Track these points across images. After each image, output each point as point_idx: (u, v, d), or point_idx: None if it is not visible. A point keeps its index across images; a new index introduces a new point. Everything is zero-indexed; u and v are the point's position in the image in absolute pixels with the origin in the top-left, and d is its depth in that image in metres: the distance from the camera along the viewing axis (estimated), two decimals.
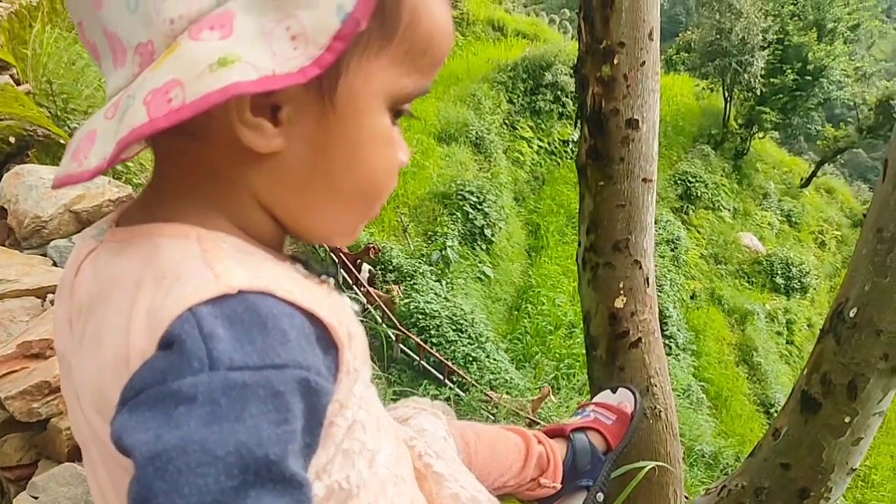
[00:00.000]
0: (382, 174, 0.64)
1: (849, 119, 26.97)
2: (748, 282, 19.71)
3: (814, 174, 24.65)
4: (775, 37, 21.27)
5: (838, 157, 26.29)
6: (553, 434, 1.40)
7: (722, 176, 21.51)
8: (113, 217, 0.66)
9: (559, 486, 1.33)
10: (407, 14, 0.60)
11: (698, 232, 19.93)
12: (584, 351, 2.33)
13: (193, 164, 0.61)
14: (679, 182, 20.42)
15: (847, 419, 1.80)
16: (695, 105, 22.90)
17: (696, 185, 20.10)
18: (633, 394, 1.48)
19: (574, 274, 14.75)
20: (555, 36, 25.22)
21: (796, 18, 21.88)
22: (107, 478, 0.62)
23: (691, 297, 18.33)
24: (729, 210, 20.97)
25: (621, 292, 2.12)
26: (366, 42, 0.58)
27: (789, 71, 21.19)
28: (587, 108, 2.16)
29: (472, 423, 1.26)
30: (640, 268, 2.12)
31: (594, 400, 1.53)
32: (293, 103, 0.57)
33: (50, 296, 1.97)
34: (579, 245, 2.25)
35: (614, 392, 1.52)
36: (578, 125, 2.31)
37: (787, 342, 19.00)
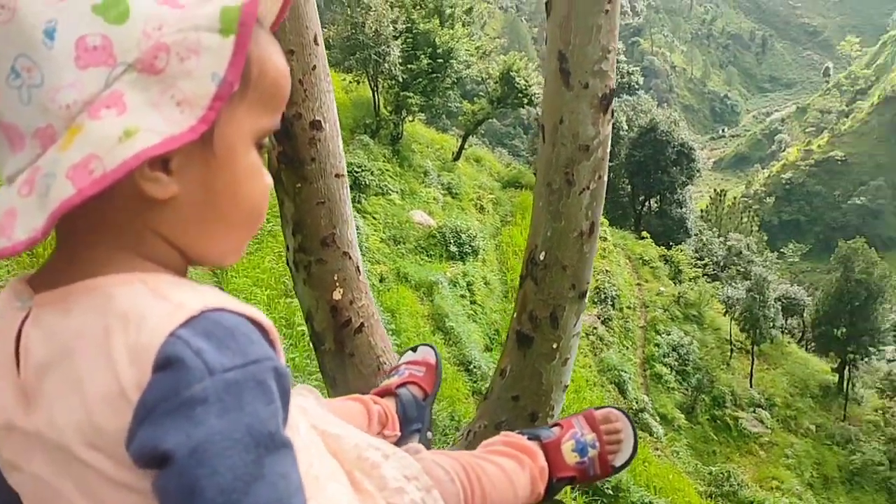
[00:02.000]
0: (260, 198, 0.80)
1: (480, 93, 29.74)
2: (427, 255, 20.94)
3: (462, 147, 26.89)
4: (404, 26, 22.65)
5: (478, 128, 28.93)
6: (383, 394, 1.66)
7: (384, 161, 22.52)
8: (23, 287, 0.76)
9: (398, 433, 1.57)
10: (256, 68, 0.75)
11: (374, 218, 20.69)
12: (291, 356, 2.37)
13: (100, 220, 0.72)
14: (348, 174, 20.74)
15: (555, 345, 2.08)
16: (346, 98, 23.62)
17: (363, 173, 20.82)
18: (432, 348, 1.82)
19: (265, 282, 14.58)
20: None
21: (419, 7, 23.50)
22: None
23: (380, 281, 19.04)
24: (397, 192, 22.04)
25: (337, 284, 2.18)
26: (230, 96, 0.70)
27: (423, 56, 22.67)
28: None
29: (322, 399, 1.41)
30: (350, 258, 2.21)
31: (402, 361, 1.83)
32: (181, 154, 0.70)
33: None
34: (287, 248, 2.28)
35: (415, 351, 1.84)
36: None
37: (470, 302, 20.58)
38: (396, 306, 18.52)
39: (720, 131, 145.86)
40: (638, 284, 28.90)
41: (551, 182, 2.02)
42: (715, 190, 53.20)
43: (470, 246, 21.62)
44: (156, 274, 0.72)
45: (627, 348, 25.45)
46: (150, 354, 0.64)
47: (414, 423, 1.62)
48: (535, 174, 2.39)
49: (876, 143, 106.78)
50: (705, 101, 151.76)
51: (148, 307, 0.67)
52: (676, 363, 26.11)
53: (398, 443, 1.53)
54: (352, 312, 2.20)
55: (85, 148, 0.64)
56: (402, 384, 1.69)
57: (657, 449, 20.65)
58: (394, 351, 2.51)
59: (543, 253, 2.05)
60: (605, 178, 2.06)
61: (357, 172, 20.75)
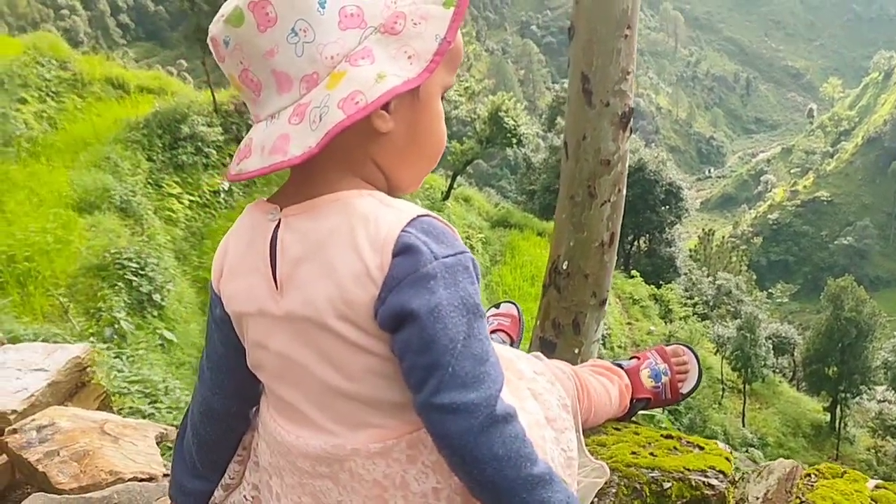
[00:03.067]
0: (443, 136, 1.05)
1: (468, 133, 30.02)
2: None
3: (451, 187, 27.05)
4: None
5: (466, 168, 29.15)
6: None
7: None
8: (268, 206, 1.00)
9: None
10: None
11: None
12: None
13: (336, 148, 0.92)
14: None
15: (576, 350, 2.20)
16: None
17: None
18: (513, 303, 2.01)
19: None
20: (182, 87, 24.52)
21: None
22: (325, 370, 0.96)
23: None
24: None
25: None
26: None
27: None
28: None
29: None
30: None
31: (488, 314, 1.95)
32: (397, 98, 0.93)
33: None
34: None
35: (497, 307, 2.02)
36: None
37: None
38: None
39: (706, 172, 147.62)
40: (628, 324, 28.92)
41: (574, 195, 2.10)
42: (703, 230, 53.61)
43: None
44: (376, 190, 0.97)
45: None
46: (389, 243, 0.90)
47: None
48: (524, 213, 2.50)
49: (861, 183, 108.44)
50: (691, 143, 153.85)
51: (381, 212, 0.92)
52: None
53: None
54: None
55: (351, 86, 0.88)
56: (493, 332, 1.89)
57: None
58: None
59: (566, 262, 2.15)
60: (624, 191, 2.15)
61: None
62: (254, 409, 1.19)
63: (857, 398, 31.58)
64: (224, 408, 1.16)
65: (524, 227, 27.18)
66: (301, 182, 0.99)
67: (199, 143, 20.52)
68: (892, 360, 32.26)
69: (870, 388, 32.25)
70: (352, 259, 0.90)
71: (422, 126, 1.00)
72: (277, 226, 0.97)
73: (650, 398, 1.73)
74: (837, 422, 30.38)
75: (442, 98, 1.03)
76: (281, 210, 0.98)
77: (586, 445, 1.43)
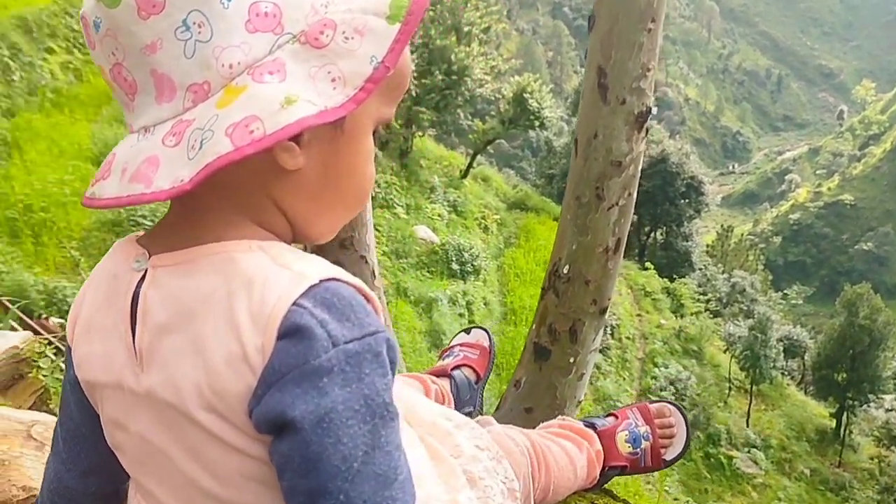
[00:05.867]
0: (369, 181, 0.83)
1: (491, 113, 29.82)
2: (428, 271, 20.89)
3: (470, 165, 26.90)
4: (421, 40, 22.73)
5: (487, 147, 28.98)
6: (438, 374, 1.66)
7: (391, 175, 22.53)
8: (136, 249, 0.78)
9: None
10: None
11: (377, 230, 20.65)
12: None
13: (226, 184, 0.73)
14: None
15: (572, 359, 2.10)
16: None
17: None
18: (486, 331, 1.79)
19: None
20: None
21: (437, 23, 23.58)
22: (194, 470, 0.74)
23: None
24: (402, 206, 22.03)
25: None
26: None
27: (437, 72, 22.75)
28: None
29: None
30: (366, 262, 2.25)
31: (455, 342, 1.80)
32: (312, 129, 0.71)
33: None
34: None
35: (468, 333, 1.82)
36: None
37: (468, 322, 20.50)
38: (395, 320, 18.43)
39: (730, 167, 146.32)
40: (638, 315, 28.75)
41: (580, 196, 2.00)
42: (722, 226, 53.14)
43: (472, 265, 21.56)
44: (272, 242, 0.74)
45: (624, 379, 25.27)
46: (274, 321, 0.67)
47: (467, 406, 1.64)
48: (542, 196, 2.39)
49: (886, 189, 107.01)
50: (717, 136, 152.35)
51: (271, 274, 0.69)
52: (674, 396, 25.86)
53: None
54: None
55: (247, 108, 0.66)
56: (457, 366, 1.69)
57: (648, 483, 20.44)
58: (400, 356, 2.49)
59: (567, 266, 2.05)
60: (634, 196, 2.05)
61: None
62: (123, 487, 0.93)
63: (865, 406, 31.35)
64: (81, 487, 0.91)
65: (541, 210, 27.02)
66: (180, 221, 0.77)
67: None
68: None
69: (878, 397, 31.98)
70: (226, 336, 0.68)
71: (343, 166, 0.78)
72: (144, 277, 0.75)
73: (626, 465, 1.54)
74: (843, 428, 30.18)
75: (375, 132, 0.82)
76: (150, 256, 0.76)
77: None
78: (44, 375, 1.97)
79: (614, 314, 26.16)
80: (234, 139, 0.65)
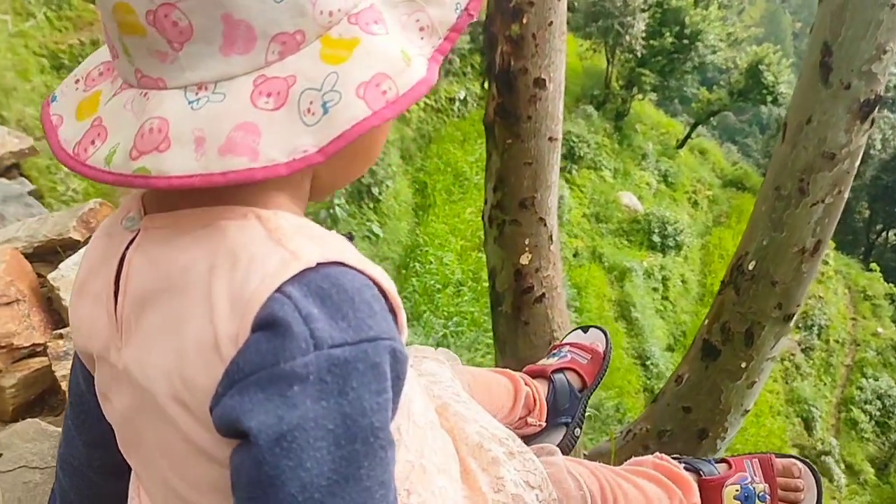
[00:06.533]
0: (383, 141, 0.73)
1: (721, 82, 28.16)
2: (627, 240, 20.41)
3: (689, 136, 25.70)
4: (655, 0, 21.84)
5: (710, 119, 27.49)
6: (535, 375, 1.50)
7: (603, 136, 22.05)
8: (136, 205, 0.67)
9: (544, 423, 1.43)
10: None
11: (581, 191, 20.40)
12: (472, 308, 2.39)
13: None
14: (564, 142, 20.53)
15: (743, 364, 1.93)
16: (579, 65, 23.28)
17: (580, 145, 20.52)
18: (604, 333, 1.58)
19: (462, 232, 14.98)
20: None
21: None
22: (165, 466, 0.65)
23: (574, 255, 18.84)
24: (609, 170, 21.56)
25: (527, 249, 2.17)
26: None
27: (668, 34, 21.80)
28: (496, 66, 2.16)
29: (468, 368, 1.31)
30: (545, 225, 2.19)
31: (567, 340, 1.60)
32: None
33: None
34: (486, 203, 2.29)
35: (585, 332, 1.62)
36: (486, 83, 2.32)
37: (662, 298, 19.88)
38: (585, 284, 18.30)
39: None
40: (853, 319, 26.43)
41: (781, 187, 1.82)
42: None
43: (674, 239, 20.77)
44: (275, 211, 0.61)
45: (825, 384, 23.46)
46: (253, 307, 0.55)
47: (563, 415, 1.47)
48: (763, 176, 2.19)
49: None
50: None
51: (260, 251, 0.58)
52: (878, 413, 23.69)
53: (542, 434, 1.45)
54: (535, 280, 2.19)
55: (373, 65, 0.57)
56: (560, 369, 1.51)
57: (834, 498, 19.04)
58: (569, 326, 2.42)
59: (753, 262, 1.89)
60: (846, 195, 1.81)
61: (573, 142, 20.51)
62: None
63: None
64: (86, 460, 0.84)
65: (759, 192, 25.40)
66: None
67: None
68: None
69: None
70: (201, 318, 0.57)
71: (377, 135, 0.70)
72: (135, 238, 0.66)
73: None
74: None
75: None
76: (145, 215, 0.66)
77: None
78: None
79: (825, 314, 24.27)
80: (368, 101, 0.55)
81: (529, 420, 1.41)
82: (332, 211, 14.40)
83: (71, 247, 2.29)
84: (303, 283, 0.56)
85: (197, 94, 0.57)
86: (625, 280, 18.78)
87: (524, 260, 2.17)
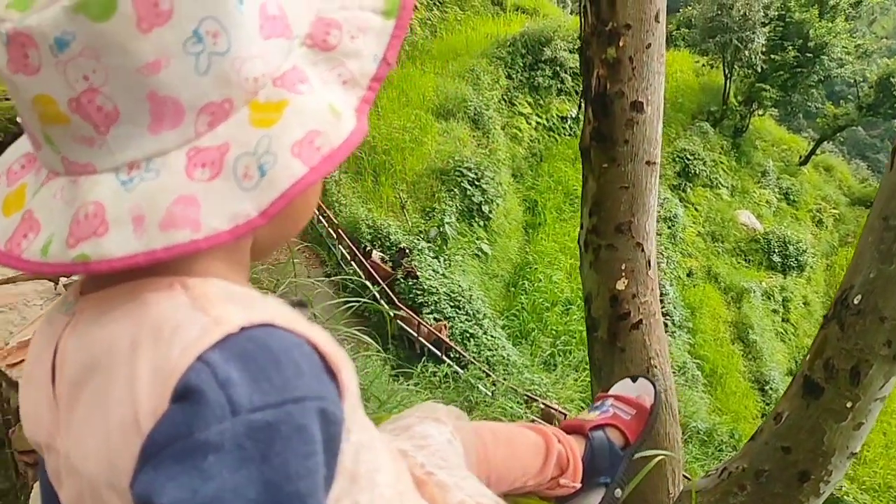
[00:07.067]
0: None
1: (849, 96, 26.85)
2: (745, 259, 19.71)
3: (813, 152, 24.60)
4: (777, 13, 21.12)
5: (837, 134, 26.21)
6: (571, 430, 1.40)
7: (720, 153, 21.43)
8: (75, 289, 0.66)
9: (578, 485, 1.33)
10: None
11: (696, 209, 19.88)
12: (581, 328, 2.39)
13: None
14: (678, 159, 20.35)
15: (849, 404, 1.79)
16: (694, 82, 22.74)
17: (695, 162, 20.02)
18: (654, 386, 1.48)
19: (572, 251, 14.82)
20: (554, 10, 24.99)
21: None
22: None
23: (688, 275, 18.34)
24: (727, 188, 20.92)
25: (623, 274, 2.12)
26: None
27: (790, 48, 21.04)
28: (591, 90, 2.14)
29: (490, 423, 1.29)
30: (642, 250, 2.11)
31: (613, 392, 1.53)
32: None
33: (63, 279, 1.98)
34: (581, 227, 2.24)
35: (634, 381, 1.53)
36: (582, 107, 2.30)
37: (783, 320, 19.06)
38: (699, 304, 17.78)
39: None
40: None
41: (889, 216, 1.70)
42: None
43: (796, 260, 19.89)
44: (204, 279, 0.59)
45: None
46: (172, 379, 0.52)
47: (602, 475, 1.38)
48: (869, 200, 2.06)
49: None
50: None
51: (183, 321, 0.55)
52: None
53: (578, 495, 1.35)
54: (632, 306, 2.14)
55: (304, 123, 0.57)
56: (600, 425, 1.41)
57: None
58: (667, 354, 2.40)
59: (860, 297, 1.74)
60: None
61: (688, 160, 20.05)
62: None
63: None
64: None
65: (865, 222, 23.94)
66: None
67: (557, 68, 20.92)
68: None
69: None
70: (125, 397, 0.54)
71: (314, 191, 0.70)
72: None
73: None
74: None
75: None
76: (81, 296, 0.64)
77: None
78: None
79: None
80: (303, 158, 0.56)
81: (562, 481, 1.31)
82: (441, 229, 14.63)
83: None
84: (225, 349, 0.53)
85: (129, 174, 0.57)
86: (742, 301, 18.12)
87: (620, 285, 2.11)
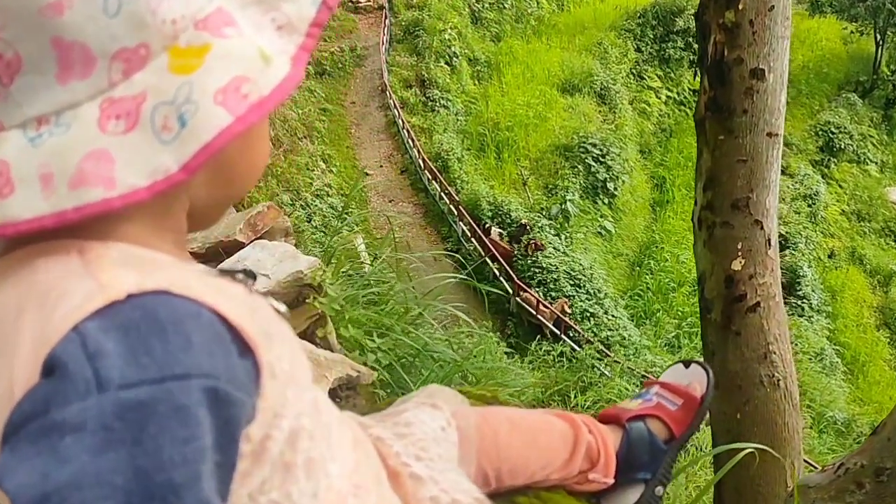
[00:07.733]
0: (268, 154, 0.68)
1: None
2: (895, 241, 18.50)
3: None
4: None
5: None
6: (608, 420, 1.28)
7: (869, 126, 20.10)
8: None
9: (611, 480, 1.22)
10: None
11: (840, 186, 18.78)
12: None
13: None
14: (820, 133, 19.28)
15: None
16: (841, 50, 21.40)
17: (840, 136, 18.88)
18: (707, 373, 1.33)
19: None
20: None
21: None
22: None
23: (829, 256, 17.38)
24: (876, 163, 19.62)
25: (739, 253, 2.04)
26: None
27: None
28: (708, 57, 2.06)
29: (509, 410, 1.22)
30: (762, 228, 2.02)
31: (662, 378, 1.38)
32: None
33: None
34: (696, 203, 2.18)
35: (687, 367, 1.37)
36: (698, 75, 2.21)
37: None
38: (840, 287, 16.88)
39: None
40: None
41: None
42: None
43: None
44: (106, 242, 0.54)
45: None
46: (44, 350, 0.47)
47: (641, 471, 1.24)
48: None
49: None
50: None
51: (70, 286, 0.50)
52: None
53: (612, 492, 1.25)
54: (749, 288, 2.05)
55: (229, 69, 0.53)
56: (641, 415, 1.27)
57: None
58: (788, 338, 2.28)
59: None
60: None
61: (833, 133, 18.94)
62: None
63: None
64: None
65: None
66: None
67: (690, 39, 20.17)
68: None
69: None
70: (3, 369, 0.50)
71: (259, 142, 0.64)
72: None
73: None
74: None
75: None
76: None
77: None
78: (320, 303, 2.12)
79: None
80: (228, 107, 0.52)
81: (591, 476, 1.21)
82: (563, 206, 14.47)
83: (235, 248, 2.28)
84: (106, 317, 0.47)
85: (38, 129, 0.52)
86: (890, 285, 17.04)
87: (736, 265, 2.04)
